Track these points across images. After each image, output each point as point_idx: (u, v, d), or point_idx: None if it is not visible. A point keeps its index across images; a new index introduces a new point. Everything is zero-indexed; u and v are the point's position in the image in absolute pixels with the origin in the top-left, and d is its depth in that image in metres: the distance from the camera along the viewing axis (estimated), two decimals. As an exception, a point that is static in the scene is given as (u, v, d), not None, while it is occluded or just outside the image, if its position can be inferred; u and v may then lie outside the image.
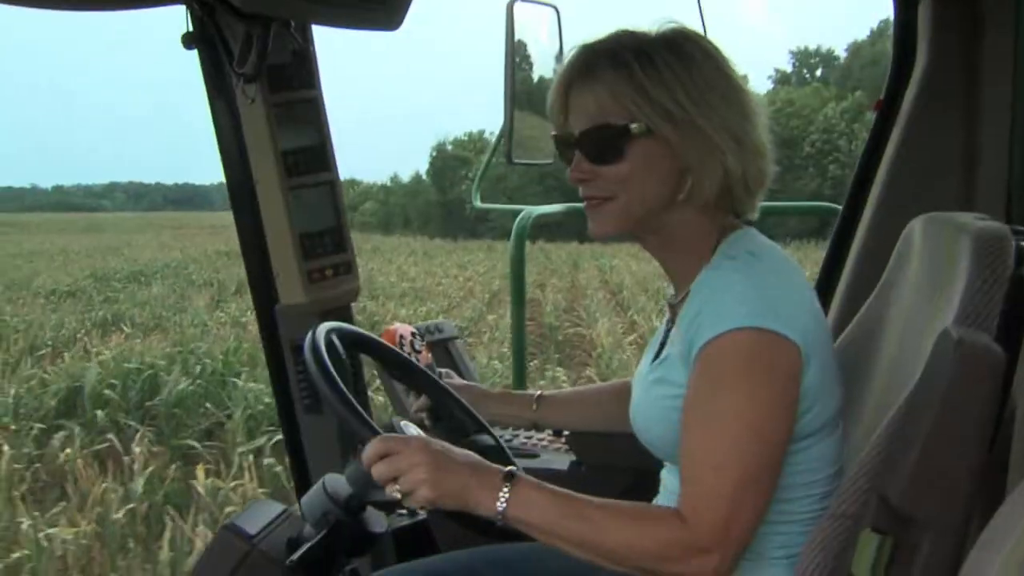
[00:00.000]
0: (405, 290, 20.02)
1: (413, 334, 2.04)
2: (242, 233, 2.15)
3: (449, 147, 60.18)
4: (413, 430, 1.51)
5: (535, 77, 2.67)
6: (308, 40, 2.05)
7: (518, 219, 3.06)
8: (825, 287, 2.37)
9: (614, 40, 1.44)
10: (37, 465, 6.76)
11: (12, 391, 8.56)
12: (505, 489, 1.36)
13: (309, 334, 1.51)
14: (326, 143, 2.13)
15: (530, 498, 1.36)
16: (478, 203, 3.53)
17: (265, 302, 2.15)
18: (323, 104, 2.12)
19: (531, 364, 9.65)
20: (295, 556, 1.49)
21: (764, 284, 1.37)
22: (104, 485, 5.70)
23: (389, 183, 68.95)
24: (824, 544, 1.33)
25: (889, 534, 1.24)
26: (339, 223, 2.16)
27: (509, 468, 1.39)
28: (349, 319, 2.20)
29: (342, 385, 1.45)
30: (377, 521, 1.57)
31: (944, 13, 2.09)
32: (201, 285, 21.88)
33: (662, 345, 1.54)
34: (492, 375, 9.05)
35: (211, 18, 1.90)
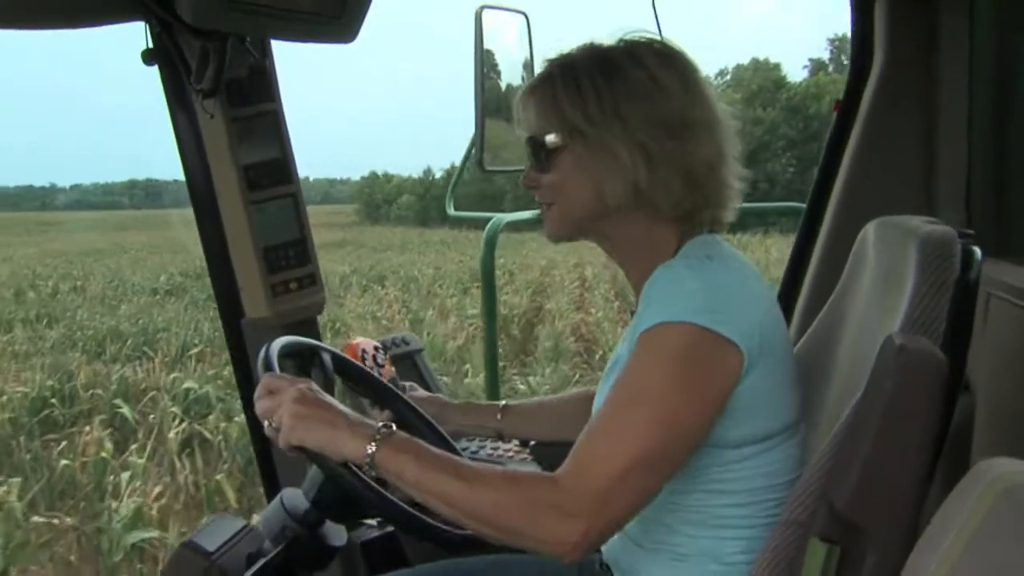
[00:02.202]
0: (545, 283, 20.01)
1: (376, 348, 2.05)
2: (207, 247, 2.14)
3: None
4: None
5: (503, 85, 2.67)
6: (266, 54, 2.05)
7: (488, 227, 3.06)
8: (791, 287, 2.38)
9: (565, 55, 1.50)
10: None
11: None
12: (378, 438, 1.34)
13: (263, 350, 1.50)
14: (287, 156, 2.13)
15: (403, 447, 1.35)
16: (451, 211, 3.53)
17: (231, 315, 2.15)
18: (283, 117, 2.12)
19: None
20: (251, 571, 1.49)
21: (714, 285, 1.37)
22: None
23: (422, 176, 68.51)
24: (776, 551, 1.34)
25: (837, 542, 1.24)
26: (302, 235, 2.16)
27: (385, 424, 1.37)
28: (315, 332, 2.20)
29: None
30: (336, 535, 1.57)
31: (900, 10, 2.11)
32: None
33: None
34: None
35: (168, 34, 1.90)
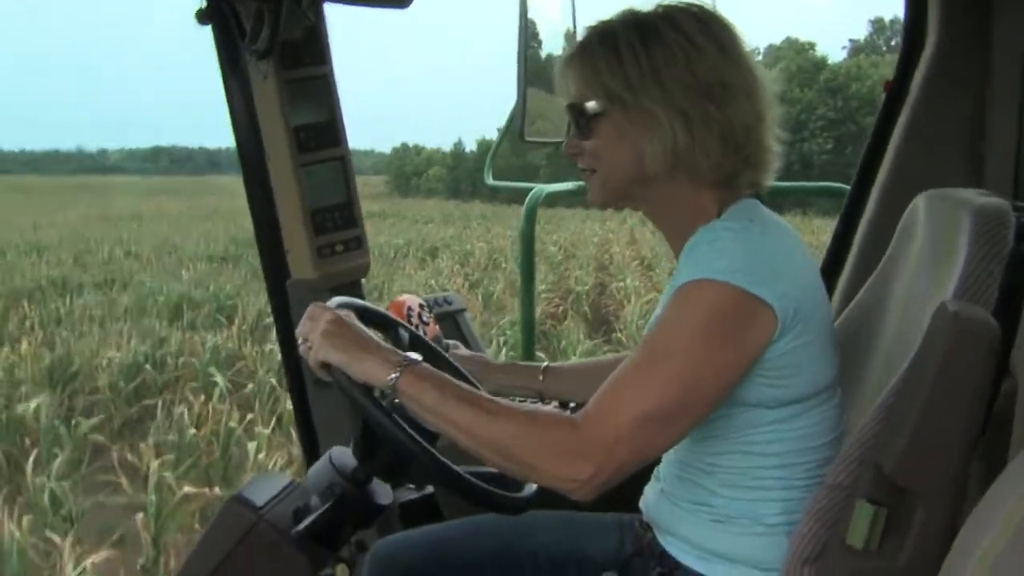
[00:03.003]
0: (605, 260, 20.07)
1: (421, 306, 2.07)
2: (254, 208, 2.17)
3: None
4: None
5: (543, 55, 2.68)
6: (320, 17, 2.06)
7: (528, 197, 3.08)
8: (833, 265, 2.37)
9: (603, 21, 1.52)
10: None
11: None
12: (403, 364, 1.38)
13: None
14: (337, 119, 2.15)
15: (425, 376, 1.39)
16: (490, 180, 3.55)
17: (276, 276, 2.18)
18: (334, 81, 2.13)
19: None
20: (301, 526, 1.52)
21: (752, 247, 1.39)
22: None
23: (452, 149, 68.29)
24: (820, 514, 1.36)
25: (884, 505, 1.26)
26: (350, 199, 2.18)
27: (413, 354, 1.42)
28: (359, 294, 2.23)
29: None
30: (383, 493, 1.58)
31: None
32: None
33: None
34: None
35: None
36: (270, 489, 1.64)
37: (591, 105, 1.49)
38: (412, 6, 1.98)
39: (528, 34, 2.50)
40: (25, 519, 5.02)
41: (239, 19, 1.97)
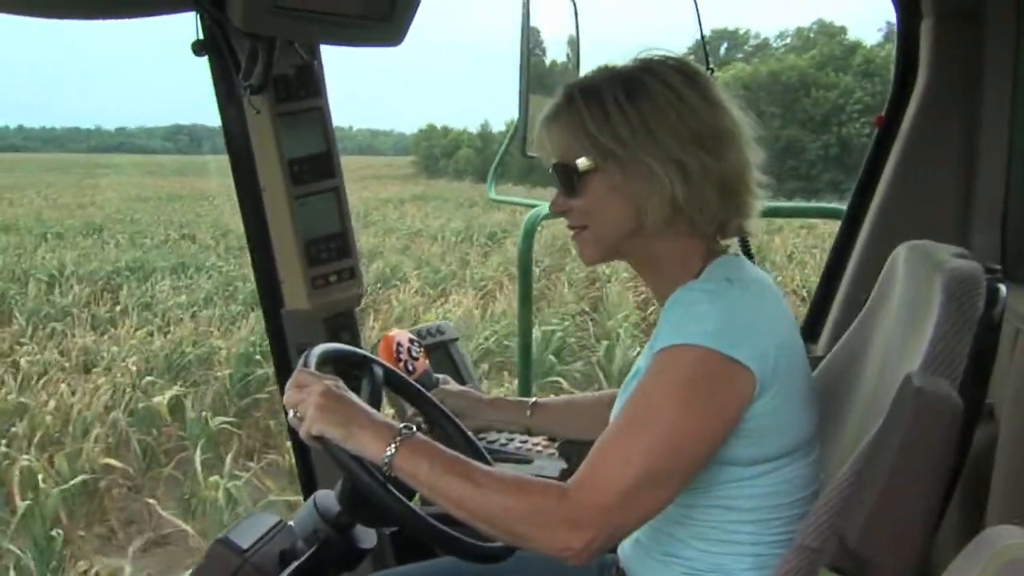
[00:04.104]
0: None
1: (411, 340, 2.09)
2: (250, 238, 2.19)
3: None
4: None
5: (547, 62, 2.67)
6: (314, 55, 2.08)
7: (527, 217, 3.08)
8: (825, 295, 2.39)
9: (583, 78, 1.53)
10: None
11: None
12: (397, 440, 1.38)
13: (301, 359, 1.55)
14: (331, 150, 2.17)
15: (418, 450, 1.39)
16: (493, 194, 3.56)
17: (272, 305, 2.21)
18: (328, 112, 2.15)
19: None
20: (284, 574, 1.55)
21: (730, 310, 1.40)
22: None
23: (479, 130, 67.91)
24: (788, 575, 1.38)
25: (847, 574, 1.28)
26: (343, 229, 2.20)
27: (407, 424, 1.42)
28: (353, 324, 2.25)
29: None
30: (366, 538, 1.61)
31: (946, 31, 2.10)
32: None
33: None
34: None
35: (220, 28, 1.95)
36: (257, 530, 1.66)
37: (581, 162, 1.48)
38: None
39: (530, 43, 2.50)
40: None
41: (234, 52, 1.99)
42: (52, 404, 7.30)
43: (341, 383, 1.49)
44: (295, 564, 1.54)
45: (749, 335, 1.38)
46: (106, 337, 9.94)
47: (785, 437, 1.45)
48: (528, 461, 2.26)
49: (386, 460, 1.38)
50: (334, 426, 1.40)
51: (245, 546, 1.59)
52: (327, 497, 1.60)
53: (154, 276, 14.55)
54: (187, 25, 1.97)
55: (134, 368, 8.27)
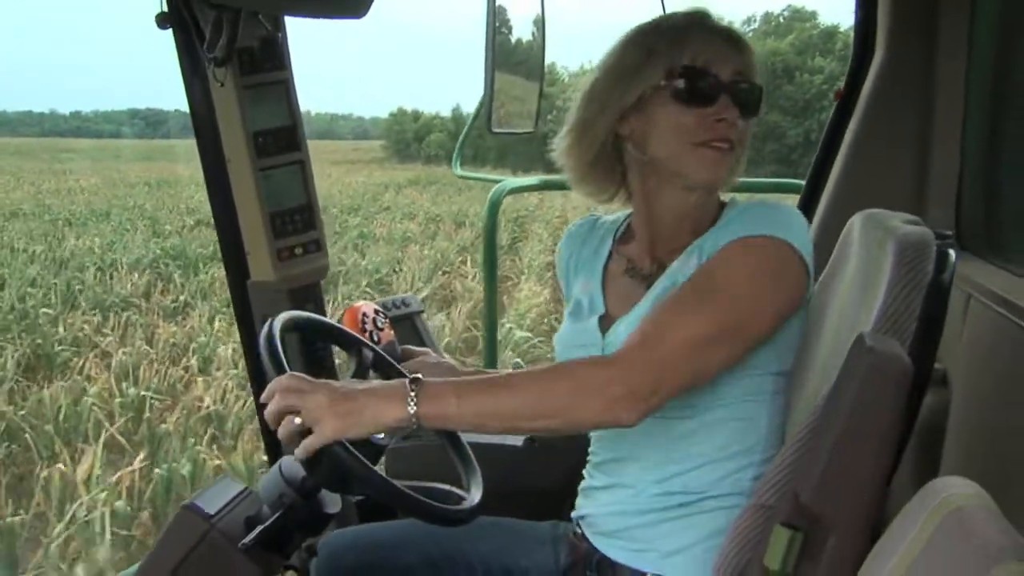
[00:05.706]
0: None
1: (376, 311, 2.10)
2: (215, 210, 2.19)
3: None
4: None
5: (512, 39, 2.66)
6: (279, 27, 2.08)
7: (492, 191, 3.10)
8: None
9: None
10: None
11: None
12: (412, 392, 1.35)
13: (265, 327, 1.55)
14: (296, 123, 2.17)
15: (438, 392, 1.36)
16: (458, 170, 3.57)
17: (237, 277, 2.21)
18: (293, 85, 2.16)
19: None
20: (250, 537, 1.55)
21: (796, 217, 1.52)
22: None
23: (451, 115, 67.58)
24: (744, 532, 1.42)
25: (800, 529, 1.31)
26: (309, 202, 2.20)
27: (412, 378, 1.37)
28: (318, 296, 2.26)
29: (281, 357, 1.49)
30: (331, 502, 1.63)
31: (903, 6, 2.13)
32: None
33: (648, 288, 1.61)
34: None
35: (184, 0, 1.94)
36: (223, 497, 1.68)
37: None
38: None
39: (496, 20, 2.49)
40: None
41: (198, 25, 1.99)
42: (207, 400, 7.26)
43: (331, 382, 1.42)
44: (259, 528, 1.55)
45: (808, 247, 1.49)
46: (188, 327, 9.78)
47: (776, 359, 1.55)
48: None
49: (413, 419, 1.35)
50: (357, 422, 1.36)
51: (211, 512, 1.61)
52: (292, 464, 1.61)
53: (200, 264, 14.33)
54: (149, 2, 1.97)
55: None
